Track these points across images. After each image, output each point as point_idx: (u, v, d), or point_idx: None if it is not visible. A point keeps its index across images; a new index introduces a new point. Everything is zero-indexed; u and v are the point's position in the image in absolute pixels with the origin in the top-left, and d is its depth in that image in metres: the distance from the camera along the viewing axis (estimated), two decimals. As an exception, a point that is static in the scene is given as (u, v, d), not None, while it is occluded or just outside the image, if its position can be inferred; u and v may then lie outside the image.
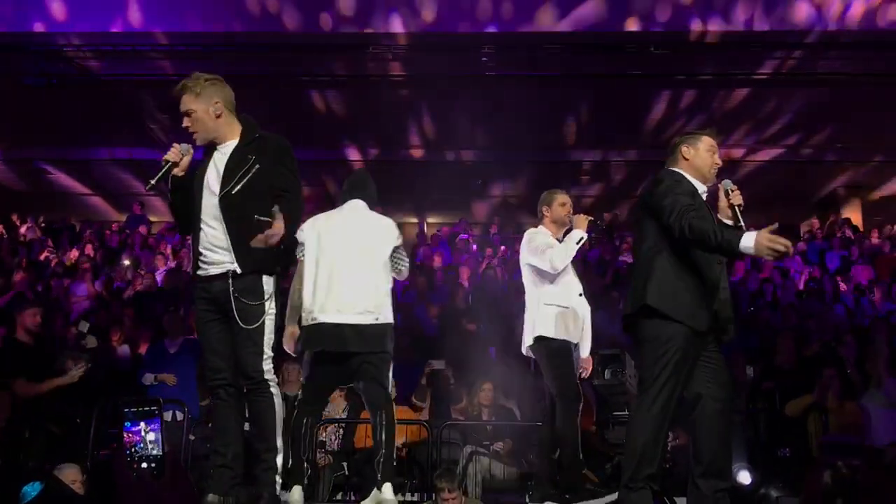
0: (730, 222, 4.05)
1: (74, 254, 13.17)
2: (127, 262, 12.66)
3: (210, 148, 3.98)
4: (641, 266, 3.95)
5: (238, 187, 3.80)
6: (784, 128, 14.24)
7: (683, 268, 3.82)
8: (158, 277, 11.84)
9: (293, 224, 3.85)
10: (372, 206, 4.65)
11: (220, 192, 3.81)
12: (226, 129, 3.93)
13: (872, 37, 11.36)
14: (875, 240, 14.04)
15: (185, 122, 3.89)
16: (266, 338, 3.81)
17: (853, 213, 16.89)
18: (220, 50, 11.49)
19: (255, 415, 3.90)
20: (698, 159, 4.07)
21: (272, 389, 3.85)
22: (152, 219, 16.78)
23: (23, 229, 14.81)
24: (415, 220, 18.04)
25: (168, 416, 7.27)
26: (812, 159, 15.48)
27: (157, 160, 3.89)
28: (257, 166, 3.83)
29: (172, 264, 12.48)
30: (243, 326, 3.76)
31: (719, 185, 4.14)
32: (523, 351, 5.19)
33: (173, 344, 7.72)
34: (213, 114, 3.87)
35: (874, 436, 6.70)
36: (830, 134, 14.40)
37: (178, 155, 3.86)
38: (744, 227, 3.86)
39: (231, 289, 3.77)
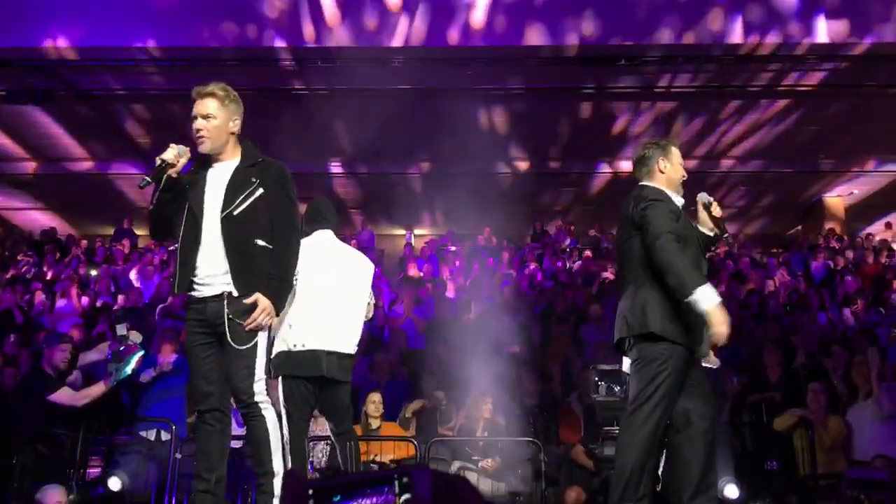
0: (711, 234, 4.10)
1: (57, 270, 13.12)
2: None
3: (204, 163, 3.88)
4: (635, 288, 3.87)
5: (240, 209, 3.73)
6: (768, 137, 14.36)
7: None
8: (145, 293, 11.80)
9: (289, 262, 3.85)
10: (337, 235, 4.95)
11: (222, 213, 3.73)
12: (229, 148, 3.86)
13: (852, 50, 11.49)
14: (859, 250, 14.14)
15: (199, 125, 3.78)
16: (258, 360, 3.74)
17: (836, 221, 17.05)
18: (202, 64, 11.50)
19: (251, 438, 3.83)
20: (674, 172, 4.06)
21: (264, 412, 3.75)
22: (140, 233, 16.73)
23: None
24: (402, 231, 18.07)
25: (152, 434, 7.26)
26: (796, 169, 15.60)
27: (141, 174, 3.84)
28: (260, 190, 3.76)
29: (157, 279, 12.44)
30: (235, 347, 3.69)
31: (698, 201, 4.15)
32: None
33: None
34: (230, 129, 3.82)
35: (860, 449, 6.73)
36: (813, 143, 14.51)
37: (176, 156, 3.73)
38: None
39: (226, 310, 3.69)
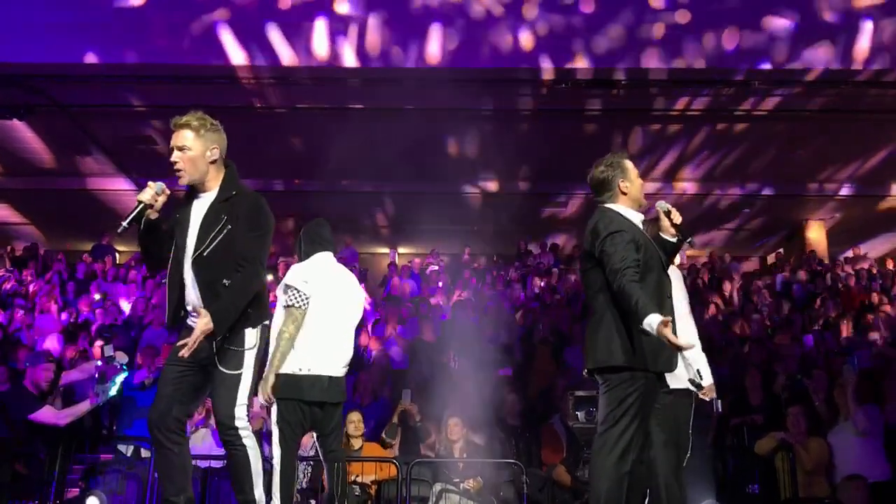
0: (674, 240, 4.11)
1: (38, 285, 13.00)
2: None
3: (190, 194, 3.86)
4: (597, 318, 3.90)
5: (209, 250, 3.69)
6: (748, 161, 14.48)
7: None
8: (125, 308, 11.74)
9: (243, 298, 3.72)
10: (335, 256, 5.01)
11: (193, 254, 3.71)
12: (211, 177, 3.81)
13: (831, 75, 11.61)
14: (840, 272, 14.22)
15: (175, 157, 3.74)
16: (243, 386, 3.73)
17: (819, 243, 17.17)
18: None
19: (232, 466, 3.80)
20: (634, 189, 4.07)
21: (245, 441, 3.73)
22: (121, 249, 16.64)
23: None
24: (386, 250, 18.07)
25: (127, 450, 7.20)
26: (778, 192, 15.72)
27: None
28: (229, 227, 3.70)
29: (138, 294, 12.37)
30: (223, 371, 3.68)
31: (658, 209, 4.16)
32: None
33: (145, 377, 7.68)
34: (208, 158, 3.77)
35: (842, 470, 6.74)
36: (796, 167, 14.64)
37: (153, 196, 3.69)
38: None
39: (214, 340, 3.66)
